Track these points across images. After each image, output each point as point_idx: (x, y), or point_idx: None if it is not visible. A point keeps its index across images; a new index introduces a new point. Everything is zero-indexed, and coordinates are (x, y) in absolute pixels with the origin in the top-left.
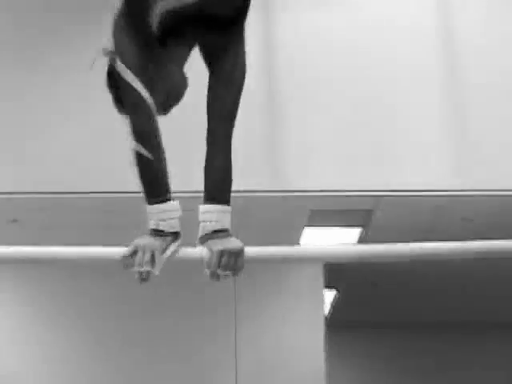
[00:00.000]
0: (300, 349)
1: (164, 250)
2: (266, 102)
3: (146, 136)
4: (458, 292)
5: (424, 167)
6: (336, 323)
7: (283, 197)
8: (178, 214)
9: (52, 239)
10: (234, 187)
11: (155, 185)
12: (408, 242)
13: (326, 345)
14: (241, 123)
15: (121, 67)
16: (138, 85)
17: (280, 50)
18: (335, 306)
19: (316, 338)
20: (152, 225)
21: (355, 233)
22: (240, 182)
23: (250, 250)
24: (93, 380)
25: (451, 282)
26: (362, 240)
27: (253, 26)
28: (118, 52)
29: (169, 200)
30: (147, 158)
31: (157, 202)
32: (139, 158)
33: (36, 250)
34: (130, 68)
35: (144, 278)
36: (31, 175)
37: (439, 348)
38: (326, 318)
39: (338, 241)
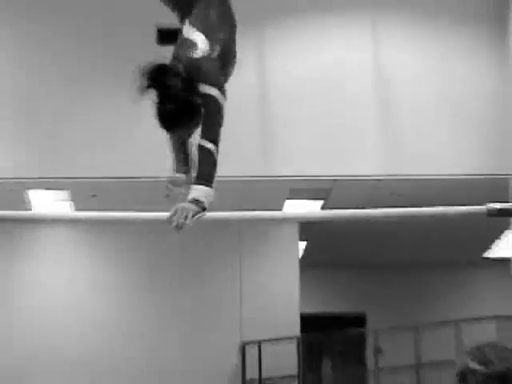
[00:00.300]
0: (282, 280)
1: (195, 215)
2: (259, 115)
3: (219, 141)
4: (390, 242)
5: (365, 160)
6: (306, 264)
7: (271, 180)
8: (212, 197)
9: (120, 209)
10: (236, 174)
11: (209, 172)
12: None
13: (300, 278)
14: (241, 128)
15: (221, 97)
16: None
17: (271, 82)
18: (305, 252)
19: (293, 272)
20: (194, 196)
21: (319, 203)
22: (240, 169)
23: (251, 214)
24: (141, 294)
25: (385, 235)
26: (323, 208)
27: (250, 69)
28: (221, 83)
29: (212, 186)
30: (214, 154)
31: (204, 185)
32: (206, 152)
33: (107, 214)
34: (226, 98)
35: (180, 227)
36: (104, 165)
37: (370, 285)
38: (299, 260)
39: (308, 208)
